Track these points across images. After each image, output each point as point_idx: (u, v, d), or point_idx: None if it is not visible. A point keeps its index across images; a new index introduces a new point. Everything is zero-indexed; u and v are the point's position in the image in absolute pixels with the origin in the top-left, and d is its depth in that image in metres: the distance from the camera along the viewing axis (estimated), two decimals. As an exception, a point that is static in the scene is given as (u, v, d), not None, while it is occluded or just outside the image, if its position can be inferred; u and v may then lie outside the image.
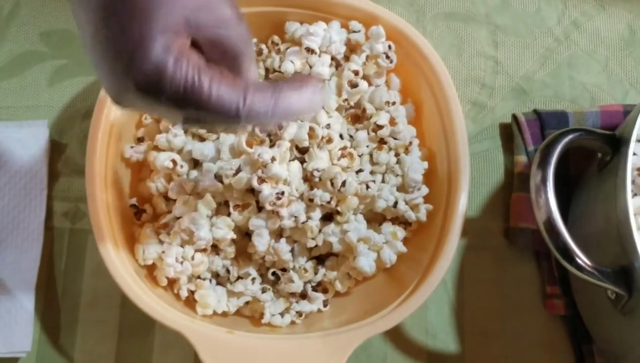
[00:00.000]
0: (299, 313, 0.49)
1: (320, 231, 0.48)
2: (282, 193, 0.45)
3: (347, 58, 0.51)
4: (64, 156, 0.56)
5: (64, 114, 0.57)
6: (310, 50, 0.49)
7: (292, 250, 0.49)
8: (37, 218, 0.53)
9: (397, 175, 0.49)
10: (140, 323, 0.52)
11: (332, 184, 0.46)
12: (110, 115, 0.48)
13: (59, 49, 0.59)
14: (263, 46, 0.53)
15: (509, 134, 0.56)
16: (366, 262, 0.47)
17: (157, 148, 0.49)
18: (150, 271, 0.49)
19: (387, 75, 0.52)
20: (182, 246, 0.48)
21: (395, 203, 0.48)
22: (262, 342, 0.46)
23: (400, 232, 0.48)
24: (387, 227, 0.49)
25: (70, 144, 0.56)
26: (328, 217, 0.49)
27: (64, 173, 0.55)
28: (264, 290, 0.49)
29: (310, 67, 0.50)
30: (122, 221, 0.48)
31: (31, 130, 0.55)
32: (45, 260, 0.53)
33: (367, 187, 0.47)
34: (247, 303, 0.50)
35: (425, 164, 0.49)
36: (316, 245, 0.48)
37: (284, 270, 0.49)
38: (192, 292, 0.49)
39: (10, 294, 0.51)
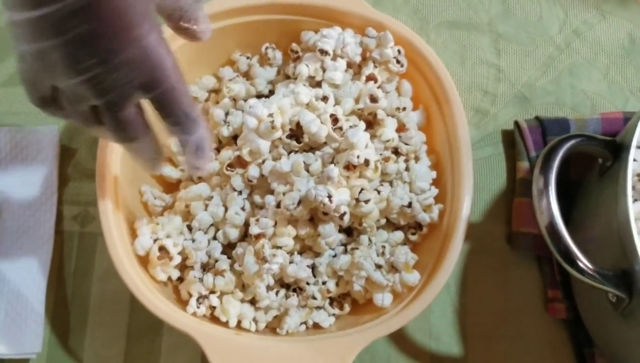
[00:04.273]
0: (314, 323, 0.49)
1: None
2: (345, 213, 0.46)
3: (359, 67, 0.52)
4: (73, 161, 0.56)
5: (74, 119, 0.58)
6: (323, 52, 0.50)
7: (312, 265, 0.49)
8: (47, 222, 0.53)
9: (405, 182, 0.49)
10: (148, 325, 0.52)
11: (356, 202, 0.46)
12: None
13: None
14: (277, 53, 0.53)
15: (511, 140, 0.57)
16: (380, 297, 0.47)
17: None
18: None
19: (398, 81, 0.52)
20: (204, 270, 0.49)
21: (410, 203, 0.48)
22: (268, 343, 0.46)
23: (413, 260, 0.47)
24: (401, 250, 0.48)
25: (80, 149, 0.57)
26: (348, 232, 0.50)
27: (74, 177, 0.56)
28: (287, 297, 0.48)
29: (324, 70, 0.51)
30: (132, 224, 0.49)
31: (42, 136, 0.55)
32: (55, 263, 0.53)
33: (379, 192, 0.48)
34: (275, 317, 0.49)
35: (434, 174, 0.50)
36: (335, 255, 0.49)
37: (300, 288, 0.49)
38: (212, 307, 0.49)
39: (21, 296, 0.51)
